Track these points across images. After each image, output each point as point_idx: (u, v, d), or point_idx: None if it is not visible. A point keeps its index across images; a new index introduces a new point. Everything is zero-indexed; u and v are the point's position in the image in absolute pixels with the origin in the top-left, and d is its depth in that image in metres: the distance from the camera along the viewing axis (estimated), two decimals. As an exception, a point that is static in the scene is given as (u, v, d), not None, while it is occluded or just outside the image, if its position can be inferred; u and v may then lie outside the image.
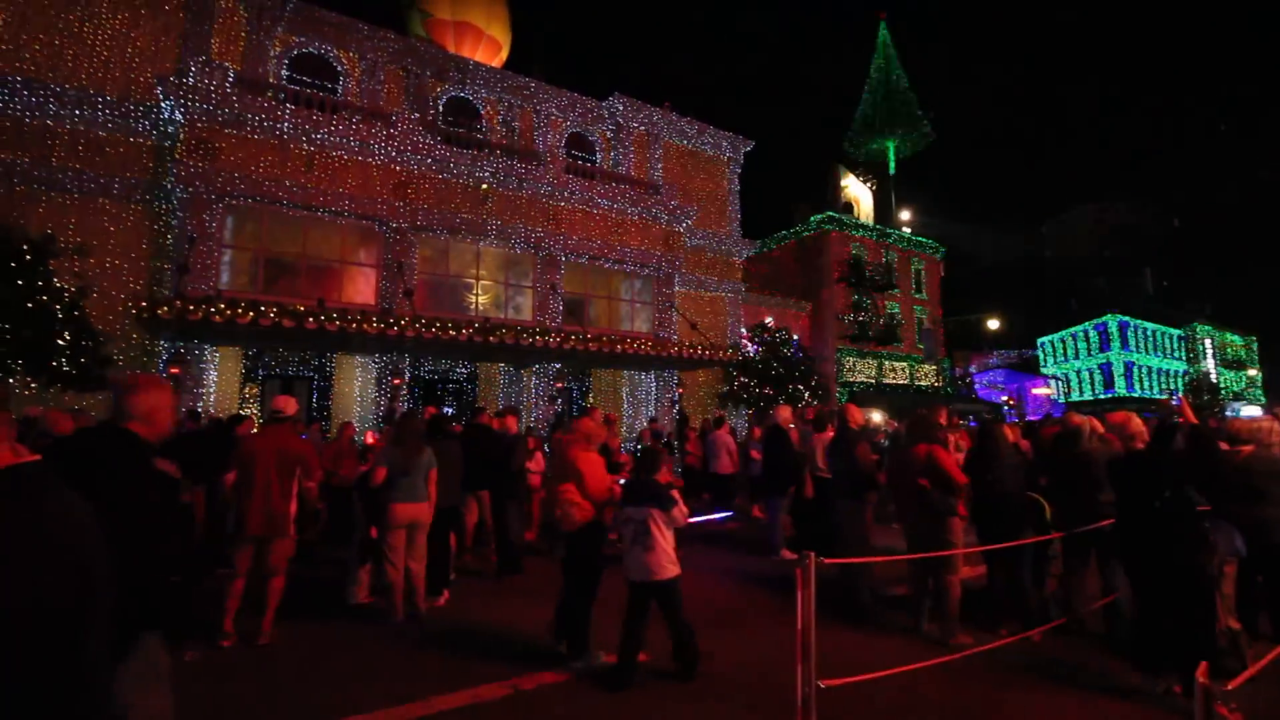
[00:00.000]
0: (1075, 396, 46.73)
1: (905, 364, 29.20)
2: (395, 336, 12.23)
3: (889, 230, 30.39)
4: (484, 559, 7.72)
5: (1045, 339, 51.67)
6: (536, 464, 9.09)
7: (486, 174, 15.53)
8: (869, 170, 32.02)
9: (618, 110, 20.36)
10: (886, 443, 12.09)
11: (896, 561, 5.81)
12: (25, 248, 10.05)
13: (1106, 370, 46.47)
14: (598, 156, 20.57)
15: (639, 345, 15.41)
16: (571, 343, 14.24)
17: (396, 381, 14.45)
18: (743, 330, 22.43)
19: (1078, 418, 5.60)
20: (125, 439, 2.23)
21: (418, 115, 15.22)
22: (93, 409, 9.56)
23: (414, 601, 5.51)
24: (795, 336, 23.78)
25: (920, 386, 29.39)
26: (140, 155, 13.38)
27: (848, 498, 6.09)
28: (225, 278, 13.03)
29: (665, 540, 4.23)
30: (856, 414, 6.57)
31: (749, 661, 4.59)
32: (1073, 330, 49.43)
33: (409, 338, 12.35)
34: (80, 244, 10.75)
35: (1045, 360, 51.25)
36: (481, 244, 15.90)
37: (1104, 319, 46.57)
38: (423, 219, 14.73)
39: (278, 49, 15.52)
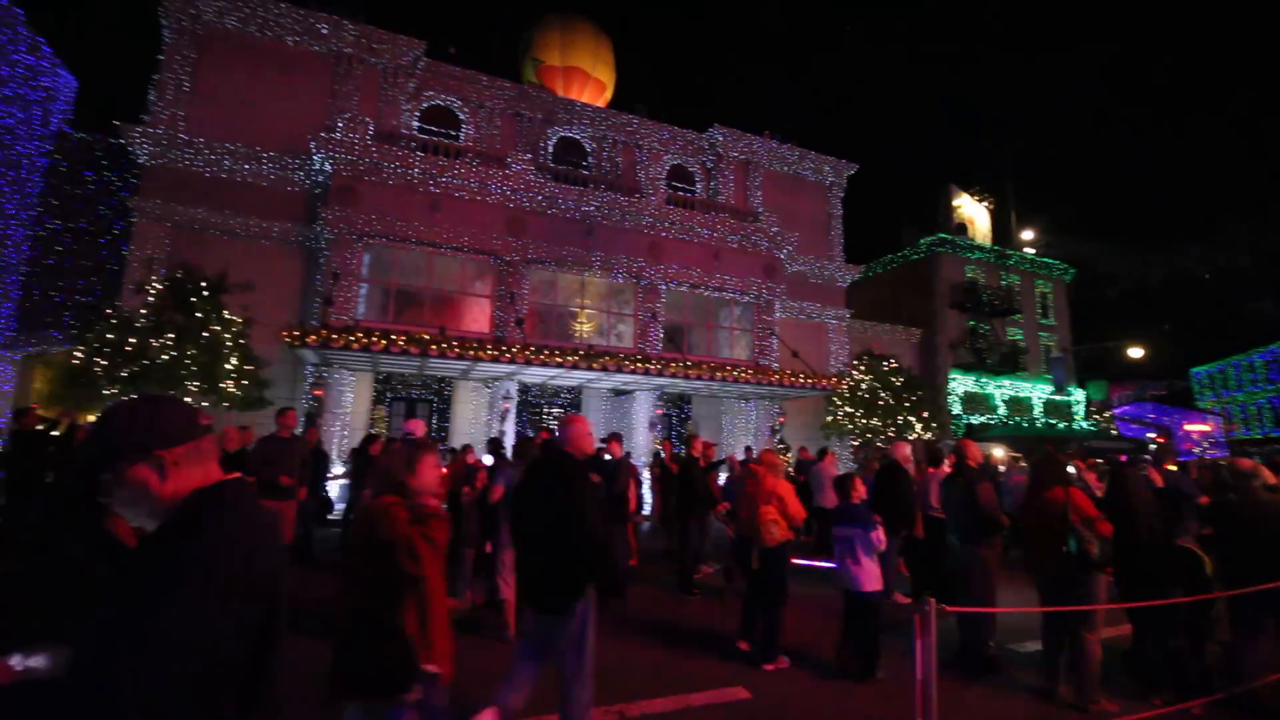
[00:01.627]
0: (1240, 434, 41.05)
1: (1031, 395, 26.96)
2: (507, 362, 12.95)
3: (1009, 251, 28.42)
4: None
5: (1200, 369, 46.00)
6: (631, 491, 9.16)
7: (592, 208, 16.22)
8: (985, 189, 30.11)
9: (717, 140, 20.66)
10: (1004, 481, 11.22)
11: (1022, 614, 5.37)
12: (203, 285, 11.70)
13: (1278, 404, 40.55)
14: (698, 186, 20.89)
15: (738, 373, 15.34)
16: (671, 370, 14.42)
17: (506, 405, 15.21)
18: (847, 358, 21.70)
19: (1246, 461, 4.99)
20: (566, 458, 3.50)
21: (529, 156, 16.23)
22: (256, 427, 10.77)
23: (524, 619, 5.77)
24: (904, 365, 22.65)
25: (1050, 421, 26.99)
26: (295, 202, 15.21)
27: (969, 542, 5.72)
28: (361, 309, 14.40)
29: (869, 556, 4.86)
30: (975, 450, 6.19)
31: (863, 709, 4.41)
32: (1235, 360, 43.70)
33: (519, 364, 13.03)
34: (247, 281, 12.30)
35: (1201, 393, 45.55)
36: (586, 274, 16.55)
37: (1273, 346, 40.84)
38: (533, 252, 15.59)
39: (409, 103, 17.17)
